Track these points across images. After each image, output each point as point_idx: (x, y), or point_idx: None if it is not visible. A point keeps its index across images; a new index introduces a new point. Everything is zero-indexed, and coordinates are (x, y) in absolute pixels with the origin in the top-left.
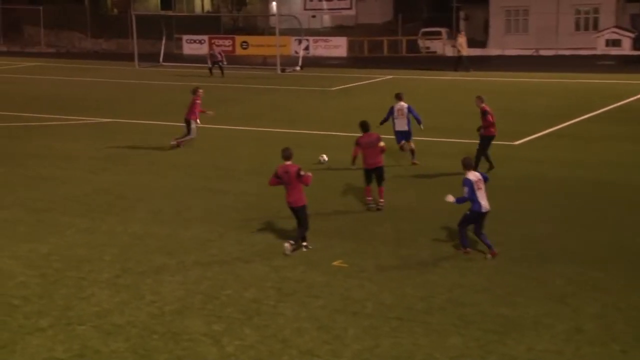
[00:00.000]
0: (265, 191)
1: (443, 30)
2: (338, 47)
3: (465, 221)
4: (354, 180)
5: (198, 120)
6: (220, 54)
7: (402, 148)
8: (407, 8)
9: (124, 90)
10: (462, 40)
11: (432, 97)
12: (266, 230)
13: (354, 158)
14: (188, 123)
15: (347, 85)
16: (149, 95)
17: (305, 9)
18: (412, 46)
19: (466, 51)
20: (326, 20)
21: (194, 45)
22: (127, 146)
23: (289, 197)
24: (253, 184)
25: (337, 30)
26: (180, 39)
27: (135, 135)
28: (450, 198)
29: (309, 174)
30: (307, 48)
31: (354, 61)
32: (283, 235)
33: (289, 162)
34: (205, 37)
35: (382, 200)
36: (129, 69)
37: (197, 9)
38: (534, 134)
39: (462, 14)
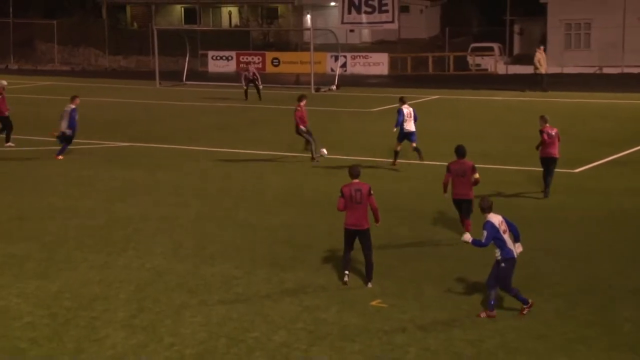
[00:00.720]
0: (296, 222)
1: (495, 45)
2: (378, 64)
3: (501, 277)
4: (391, 209)
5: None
6: (254, 73)
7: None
8: (455, 22)
9: (144, 111)
10: (540, 56)
11: (483, 119)
12: (297, 266)
13: (445, 186)
14: (300, 133)
15: (389, 107)
16: (171, 117)
17: (342, 23)
18: (461, 63)
19: (545, 69)
20: (365, 34)
21: (220, 62)
22: (147, 173)
23: (354, 219)
24: (283, 216)
25: (378, 45)
26: (206, 56)
27: (156, 161)
28: (467, 237)
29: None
30: (344, 65)
31: (396, 80)
32: (316, 271)
33: (357, 180)
34: (233, 54)
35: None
36: (150, 88)
37: (224, 23)
38: (597, 160)
39: (516, 28)
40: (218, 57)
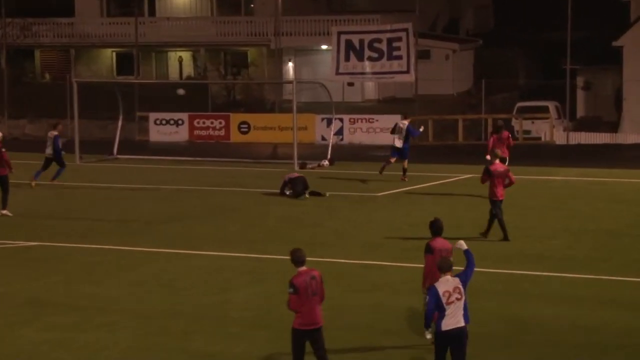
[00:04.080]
0: (267, 353)
1: (551, 105)
2: (388, 130)
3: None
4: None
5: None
6: None
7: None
8: (494, 72)
9: (58, 198)
10: None
11: (534, 206)
12: None
13: (427, 279)
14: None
15: (402, 190)
16: (97, 205)
17: (338, 74)
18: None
19: None
20: (370, 89)
21: (166, 129)
22: (63, 284)
23: (311, 315)
24: (251, 344)
25: (387, 105)
26: (146, 119)
27: (77, 267)
28: (462, 243)
29: None
30: (339, 132)
31: (413, 151)
32: None
33: (304, 268)
34: (185, 116)
35: None
36: (67, 164)
37: (173, 74)
38: None
39: (580, 81)
40: (163, 121)
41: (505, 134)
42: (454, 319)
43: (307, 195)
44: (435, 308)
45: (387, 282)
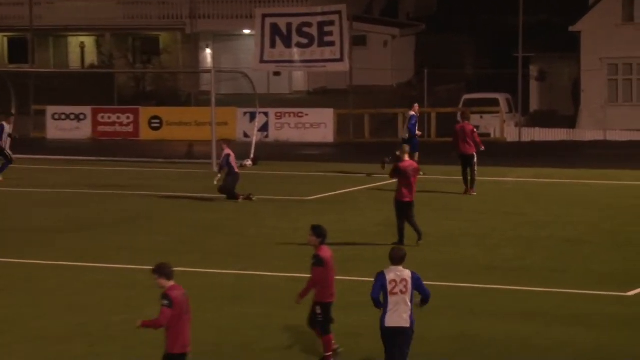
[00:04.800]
0: None
1: (501, 97)
2: (319, 126)
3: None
4: None
5: None
6: None
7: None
8: (438, 60)
9: None
10: None
11: (486, 210)
12: None
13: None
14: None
15: (334, 193)
16: None
17: (262, 62)
18: (448, 125)
19: None
20: (299, 80)
21: (65, 124)
22: None
23: (185, 337)
24: None
25: (319, 97)
26: (43, 113)
27: None
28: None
29: None
30: (264, 128)
31: (347, 150)
32: None
33: (172, 282)
34: (88, 110)
35: None
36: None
37: (74, 62)
38: None
39: (533, 70)
40: (63, 116)
41: (470, 127)
42: (396, 315)
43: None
44: (379, 290)
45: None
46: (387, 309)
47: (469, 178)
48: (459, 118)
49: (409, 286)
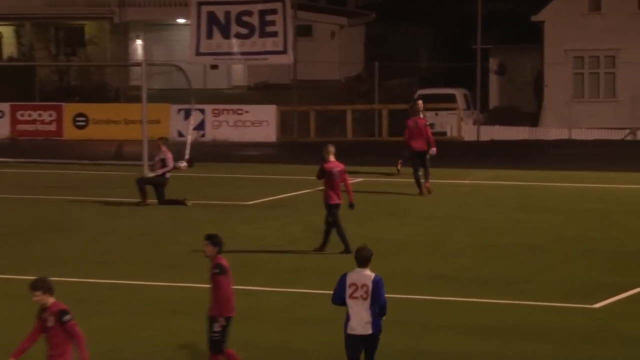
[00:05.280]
0: None
1: (458, 93)
2: (260, 124)
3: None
4: None
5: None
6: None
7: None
8: (390, 52)
9: None
10: None
11: (441, 215)
12: None
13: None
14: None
15: (277, 197)
16: None
17: (198, 54)
18: (401, 122)
19: None
20: (238, 73)
21: None
22: None
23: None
24: None
25: (260, 92)
26: None
27: None
28: None
29: None
30: (201, 126)
31: (291, 150)
32: None
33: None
34: (6, 107)
35: None
36: None
37: None
38: (630, 289)
39: (492, 63)
40: None
41: (422, 121)
42: (357, 322)
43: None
44: (338, 295)
45: (258, 311)
46: (348, 314)
47: (423, 172)
48: (409, 111)
49: (370, 292)
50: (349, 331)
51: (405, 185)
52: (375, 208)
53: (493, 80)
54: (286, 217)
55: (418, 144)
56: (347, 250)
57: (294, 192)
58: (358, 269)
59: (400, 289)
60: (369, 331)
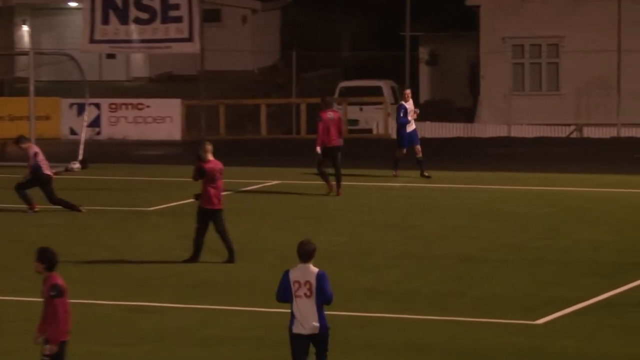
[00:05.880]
0: None
1: (385, 85)
2: (163, 120)
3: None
4: None
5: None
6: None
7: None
8: (309, 40)
9: None
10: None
11: (368, 223)
12: None
13: None
14: None
15: (181, 202)
16: None
17: (92, 42)
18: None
19: None
20: (138, 64)
21: None
22: None
23: None
24: None
25: (163, 85)
26: None
27: None
28: None
29: None
30: (96, 123)
31: (196, 148)
32: None
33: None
34: None
35: None
36: None
37: None
38: (575, 303)
39: (423, 53)
40: None
41: (337, 114)
42: (303, 320)
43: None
44: (283, 292)
45: (164, 331)
46: (293, 313)
47: (334, 174)
48: (322, 104)
49: (314, 289)
50: (296, 330)
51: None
52: (294, 213)
53: (424, 71)
54: (193, 224)
55: (332, 140)
56: (230, 259)
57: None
58: (301, 265)
59: None
60: (317, 330)
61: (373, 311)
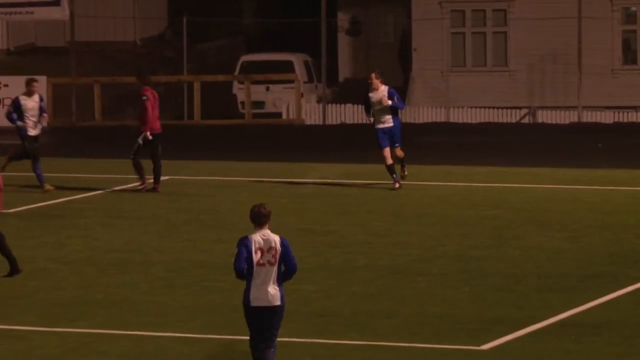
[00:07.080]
0: None
1: (296, 59)
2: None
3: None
4: None
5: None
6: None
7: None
8: (203, 5)
9: None
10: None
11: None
12: None
13: None
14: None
15: (47, 203)
16: None
17: None
18: (219, 100)
19: None
20: None
21: None
22: None
23: None
24: None
25: (24, 59)
26: None
27: None
28: None
29: None
30: None
31: (67, 138)
32: None
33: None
34: None
35: None
36: None
37: None
38: (526, 325)
39: (342, 21)
40: None
41: (157, 95)
42: (263, 291)
43: None
44: (244, 262)
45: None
46: (251, 283)
47: (153, 168)
48: (142, 80)
49: (278, 256)
50: (254, 303)
51: (224, 187)
52: (186, 217)
53: (344, 42)
54: (63, 229)
55: (156, 124)
56: (13, 271)
57: (73, 195)
58: (260, 231)
59: (221, 328)
60: (278, 302)
61: (282, 335)
